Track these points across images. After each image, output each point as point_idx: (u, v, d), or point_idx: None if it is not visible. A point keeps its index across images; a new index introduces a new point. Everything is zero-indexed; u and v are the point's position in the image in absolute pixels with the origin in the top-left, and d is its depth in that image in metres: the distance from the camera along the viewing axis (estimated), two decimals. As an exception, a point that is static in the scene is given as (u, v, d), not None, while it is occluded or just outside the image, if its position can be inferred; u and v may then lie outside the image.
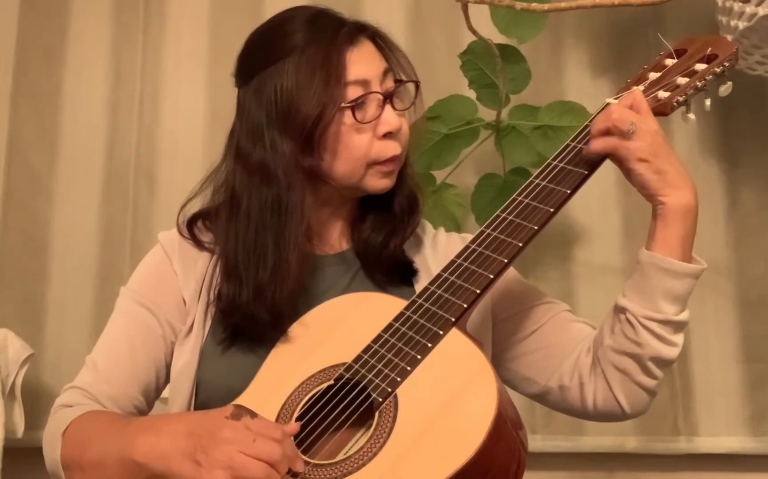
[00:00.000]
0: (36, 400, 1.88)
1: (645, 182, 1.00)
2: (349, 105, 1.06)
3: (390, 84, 1.11)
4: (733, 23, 1.58)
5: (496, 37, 1.71)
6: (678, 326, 1.02)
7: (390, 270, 1.15)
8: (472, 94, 1.80)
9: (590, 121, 1.07)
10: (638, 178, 1.00)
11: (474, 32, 1.66)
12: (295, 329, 1.06)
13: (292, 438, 0.90)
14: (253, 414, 0.87)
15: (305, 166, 1.07)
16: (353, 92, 1.07)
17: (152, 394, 1.13)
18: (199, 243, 1.15)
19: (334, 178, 1.10)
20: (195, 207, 1.17)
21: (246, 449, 0.83)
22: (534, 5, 1.62)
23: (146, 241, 1.91)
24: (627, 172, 1.02)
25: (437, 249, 1.20)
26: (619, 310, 1.04)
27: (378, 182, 1.11)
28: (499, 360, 1.15)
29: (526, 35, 1.72)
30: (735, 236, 1.92)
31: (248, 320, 1.06)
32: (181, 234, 1.16)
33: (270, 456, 0.83)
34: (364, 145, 1.08)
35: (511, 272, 1.17)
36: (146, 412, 1.12)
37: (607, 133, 1.00)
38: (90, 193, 2.06)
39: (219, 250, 1.12)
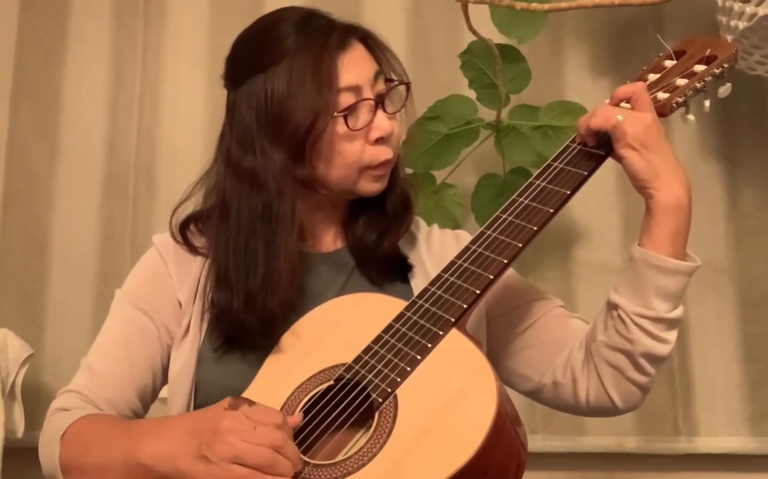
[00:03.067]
0: (36, 400, 1.88)
1: (635, 171, 1.00)
2: (341, 113, 1.06)
3: (381, 86, 1.11)
4: (733, 23, 1.58)
5: (496, 37, 1.71)
6: (671, 323, 1.01)
7: (385, 267, 1.15)
8: (472, 94, 1.80)
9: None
10: (629, 167, 1.00)
11: (474, 32, 1.66)
12: (295, 329, 1.06)
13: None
14: (251, 403, 0.88)
15: (297, 176, 1.06)
16: (345, 99, 1.06)
17: (148, 397, 1.13)
18: (192, 249, 1.15)
19: (326, 185, 1.10)
20: (189, 207, 1.17)
21: (248, 437, 0.83)
22: (534, 5, 1.62)
23: (146, 241, 1.89)
24: (619, 161, 1.02)
25: (431, 246, 1.20)
26: (611, 306, 1.04)
27: (370, 186, 1.11)
28: (494, 357, 1.15)
29: (526, 35, 1.72)
30: (735, 236, 1.92)
31: (239, 328, 1.06)
32: (174, 239, 1.16)
33: (272, 442, 0.83)
34: (356, 152, 1.08)
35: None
36: (142, 415, 1.12)
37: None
38: (90, 193, 2.06)
39: (211, 256, 1.12)
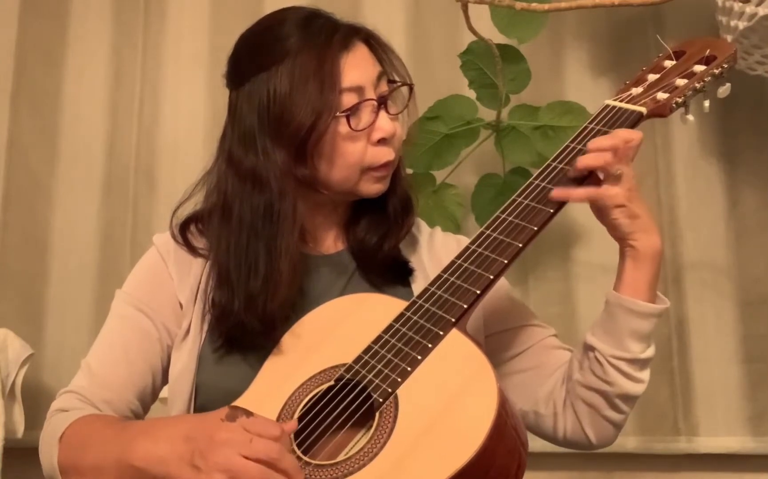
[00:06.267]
0: (36, 400, 1.88)
1: (618, 225, 1.01)
2: (344, 113, 1.06)
3: (384, 88, 1.11)
4: (733, 23, 1.58)
5: (496, 37, 1.71)
6: (644, 363, 1.04)
7: (386, 270, 1.15)
8: (472, 94, 1.80)
9: (591, 123, 1.07)
10: (612, 222, 1.01)
11: (474, 32, 1.66)
12: (295, 330, 1.06)
13: (293, 436, 0.90)
14: (248, 414, 0.87)
15: (298, 176, 1.06)
16: (348, 99, 1.06)
17: (148, 398, 1.12)
18: (192, 250, 1.14)
19: (327, 186, 1.10)
20: (189, 207, 1.17)
21: (243, 450, 0.82)
22: (534, 5, 1.62)
23: (146, 241, 1.89)
24: (600, 215, 1.03)
25: (433, 249, 1.20)
26: (588, 348, 1.05)
27: (371, 187, 1.11)
28: None
29: (526, 35, 1.72)
30: (735, 236, 1.91)
31: (239, 329, 1.06)
32: (174, 240, 1.15)
33: (267, 455, 0.83)
34: (358, 152, 1.08)
35: (503, 286, 1.18)
36: (142, 416, 1.12)
37: (591, 173, 1.01)
38: (90, 193, 2.06)
39: (212, 256, 1.11)
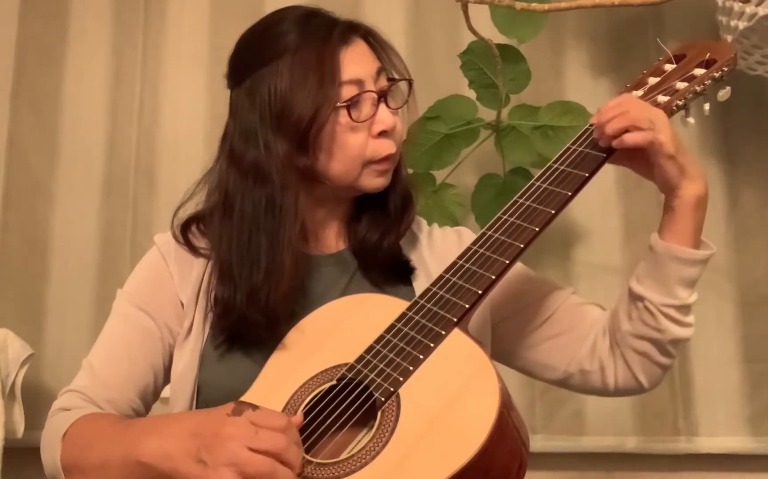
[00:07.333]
0: (36, 400, 1.88)
1: (669, 177, 1.02)
2: (344, 104, 1.06)
3: (383, 83, 1.11)
4: (733, 23, 1.59)
5: (496, 37, 1.72)
6: (690, 308, 1.07)
7: (387, 269, 1.15)
8: (472, 94, 1.80)
9: (593, 124, 1.07)
10: (664, 174, 1.02)
11: (474, 32, 1.67)
12: (297, 330, 1.06)
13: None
14: (254, 408, 0.87)
15: (300, 167, 1.07)
16: (348, 92, 1.07)
17: (150, 397, 1.13)
18: (194, 250, 1.15)
19: (329, 178, 1.10)
20: (190, 208, 1.17)
21: (250, 443, 0.83)
22: (534, 5, 1.62)
23: (146, 241, 1.91)
24: (649, 168, 1.03)
25: (434, 246, 1.20)
26: (636, 298, 1.06)
27: (373, 181, 1.12)
28: (516, 351, 1.17)
29: (526, 35, 1.73)
30: (735, 236, 1.92)
31: (243, 323, 1.06)
32: (176, 239, 1.16)
33: (274, 447, 0.83)
34: (359, 145, 1.09)
35: (515, 268, 1.18)
36: (144, 414, 1.12)
37: (611, 149, 1.01)
38: (90, 193, 2.06)
39: (214, 254, 1.12)
